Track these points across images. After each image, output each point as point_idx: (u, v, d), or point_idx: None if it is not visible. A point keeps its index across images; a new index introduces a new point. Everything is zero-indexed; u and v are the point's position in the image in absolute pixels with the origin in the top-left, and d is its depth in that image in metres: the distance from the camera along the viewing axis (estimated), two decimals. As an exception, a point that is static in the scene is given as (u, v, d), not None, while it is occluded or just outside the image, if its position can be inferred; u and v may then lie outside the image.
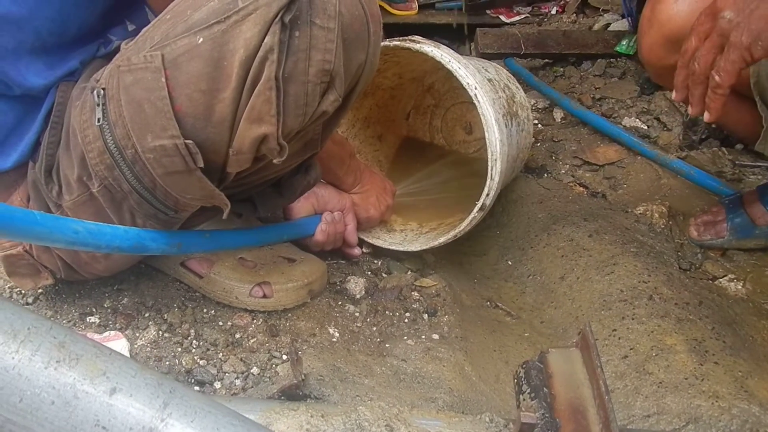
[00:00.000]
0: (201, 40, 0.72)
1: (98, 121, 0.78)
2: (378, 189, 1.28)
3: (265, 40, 0.70)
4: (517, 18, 2.43)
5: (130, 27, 0.92)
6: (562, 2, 2.42)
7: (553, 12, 2.43)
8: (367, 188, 1.25)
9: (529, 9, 2.46)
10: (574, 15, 2.34)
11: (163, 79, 0.74)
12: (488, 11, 2.46)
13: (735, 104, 1.11)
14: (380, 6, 2.37)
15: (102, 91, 0.78)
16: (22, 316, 0.44)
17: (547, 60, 2.04)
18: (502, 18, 2.43)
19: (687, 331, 1.07)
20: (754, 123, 1.10)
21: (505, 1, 2.46)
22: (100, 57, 0.91)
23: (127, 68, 0.76)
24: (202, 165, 0.78)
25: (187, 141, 0.76)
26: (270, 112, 0.74)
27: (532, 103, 1.87)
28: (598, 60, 1.97)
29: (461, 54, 2.61)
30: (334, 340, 1.05)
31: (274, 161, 0.79)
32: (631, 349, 1.07)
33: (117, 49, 0.92)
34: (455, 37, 2.56)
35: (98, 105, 0.78)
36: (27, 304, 1.03)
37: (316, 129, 0.85)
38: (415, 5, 2.42)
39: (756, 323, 1.15)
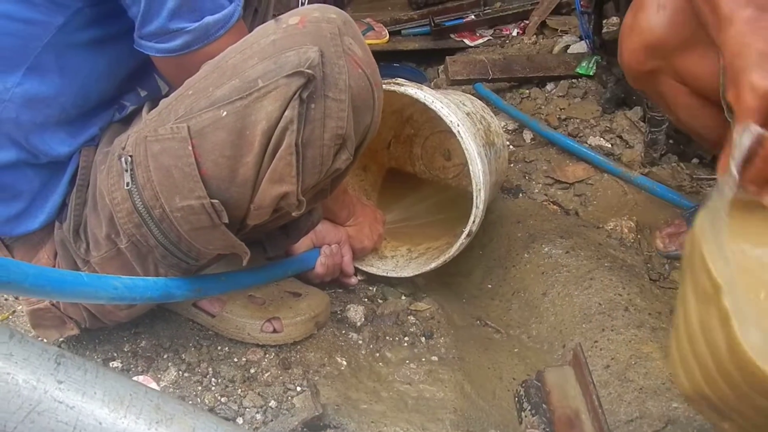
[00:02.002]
0: (225, 113, 0.80)
1: (127, 185, 0.85)
2: (370, 220, 1.37)
3: (286, 114, 0.79)
4: (480, 41, 2.55)
5: (142, 93, 0.99)
6: (522, 24, 2.56)
7: (514, 34, 2.55)
8: (360, 220, 1.34)
9: (491, 32, 2.59)
10: (534, 36, 2.47)
11: (190, 148, 0.81)
12: (452, 35, 2.57)
13: (704, 109, 1.19)
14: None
15: (129, 158, 0.85)
16: (122, 382, 0.51)
17: (513, 83, 2.15)
18: (466, 41, 2.54)
19: (661, 339, 1.18)
20: (719, 128, 1.15)
21: (468, 25, 2.58)
22: (116, 122, 0.98)
23: (154, 138, 0.83)
24: (226, 221, 0.86)
25: (213, 200, 0.84)
26: (291, 174, 0.82)
27: (502, 125, 1.99)
28: (561, 81, 2.09)
29: (429, 77, 2.72)
30: (343, 368, 1.12)
31: (293, 214, 0.88)
32: (612, 358, 1.17)
33: (131, 114, 0.99)
34: (422, 60, 2.67)
35: (126, 170, 0.85)
36: (51, 353, 1.08)
37: (327, 181, 0.94)
38: (386, 33, 2.52)
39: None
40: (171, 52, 0.86)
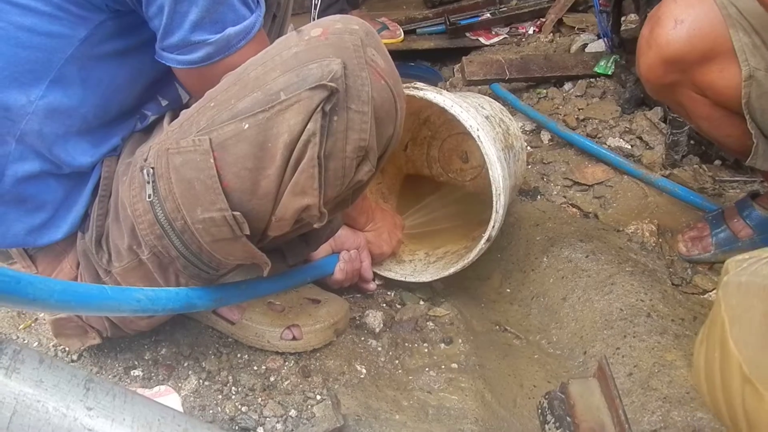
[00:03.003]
0: (247, 126, 0.79)
1: (149, 197, 0.85)
2: (389, 225, 1.36)
3: (308, 126, 0.78)
4: (496, 39, 2.53)
5: (163, 102, 0.99)
6: (538, 22, 2.53)
7: (531, 32, 2.53)
8: (379, 225, 1.34)
9: (507, 30, 2.56)
10: (551, 35, 2.44)
11: (212, 160, 0.81)
12: (468, 34, 2.55)
13: (725, 119, 1.19)
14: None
15: (151, 170, 0.85)
16: (151, 407, 0.50)
17: (530, 83, 2.13)
18: (482, 40, 2.52)
19: (684, 346, 1.17)
20: (742, 137, 1.18)
21: (483, 23, 2.56)
22: (138, 131, 0.98)
23: (176, 150, 0.83)
24: (248, 233, 0.85)
25: (234, 212, 0.83)
26: (313, 186, 0.82)
27: (519, 125, 1.97)
28: (579, 81, 2.07)
29: (444, 75, 2.69)
30: (362, 376, 1.12)
31: (315, 226, 0.87)
32: (635, 366, 1.16)
33: (152, 123, 0.99)
34: (437, 59, 2.66)
35: (148, 182, 0.85)
36: (72, 361, 1.09)
37: (349, 192, 0.93)
38: (400, 32, 2.50)
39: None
40: (192, 64, 0.86)
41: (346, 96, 0.80)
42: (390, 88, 0.84)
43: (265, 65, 0.81)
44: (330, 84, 0.78)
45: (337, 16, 0.85)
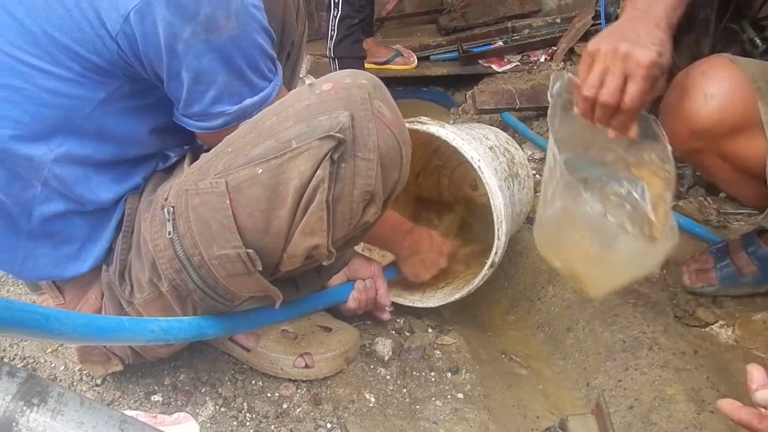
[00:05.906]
0: (260, 171, 0.85)
1: (169, 234, 0.91)
2: (434, 255, 1.40)
3: (317, 173, 0.84)
4: (508, 66, 2.58)
5: (185, 146, 1.05)
6: (550, 51, 2.58)
7: (542, 60, 2.58)
8: (423, 256, 1.38)
9: (519, 57, 2.62)
10: (562, 63, 2.49)
11: (228, 201, 0.87)
12: (480, 61, 2.61)
13: (747, 182, 1.19)
14: (382, 68, 2.52)
15: (171, 209, 0.91)
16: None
17: (540, 111, 2.18)
18: (494, 67, 2.58)
19: (685, 380, 1.19)
20: (760, 197, 1.19)
21: (496, 51, 2.61)
22: (159, 171, 1.04)
23: (195, 192, 0.89)
24: (260, 269, 0.91)
25: (248, 250, 0.89)
26: (321, 227, 0.87)
27: (528, 153, 2.01)
28: (588, 110, 2.10)
29: (457, 101, 2.73)
30: (371, 405, 1.16)
31: (323, 263, 0.92)
32: (635, 399, 1.19)
33: (174, 164, 1.05)
34: (450, 85, 2.72)
35: (168, 220, 0.91)
36: (96, 385, 1.14)
37: (356, 231, 0.98)
38: (414, 59, 2.56)
39: (745, 370, 1.27)
40: (211, 129, 0.93)
41: (353, 145, 0.85)
42: (395, 136, 0.89)
43: (279, 116, 0.87)
44: (338, 135, 0.83)
45: (347, 71, 0.91)
